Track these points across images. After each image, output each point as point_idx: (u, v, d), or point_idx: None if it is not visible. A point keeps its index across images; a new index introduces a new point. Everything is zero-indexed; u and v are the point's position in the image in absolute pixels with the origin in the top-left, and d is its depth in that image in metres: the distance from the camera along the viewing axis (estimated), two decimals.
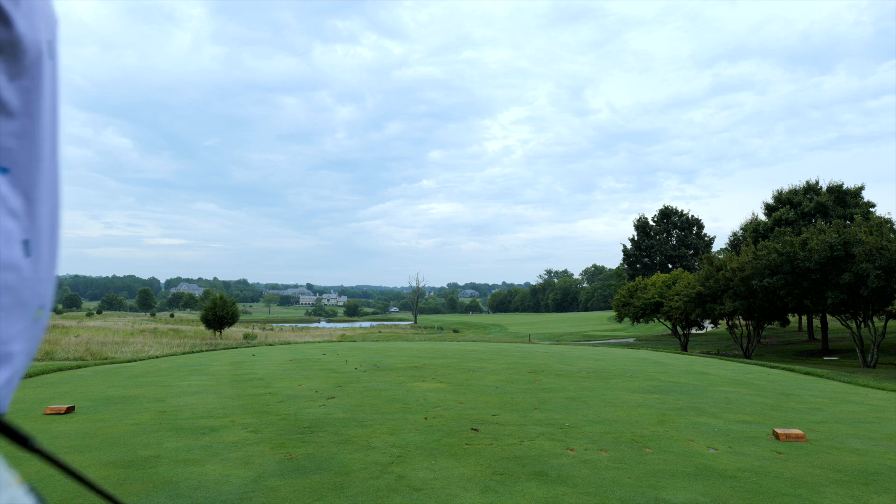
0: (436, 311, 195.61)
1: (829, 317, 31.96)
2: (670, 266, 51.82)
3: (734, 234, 46.66)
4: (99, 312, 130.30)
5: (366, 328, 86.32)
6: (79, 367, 10.04)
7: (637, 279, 39.60)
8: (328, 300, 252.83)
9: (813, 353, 30.19)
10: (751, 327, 28.39)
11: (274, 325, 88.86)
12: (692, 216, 54.04)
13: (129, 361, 11.61)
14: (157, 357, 12.87)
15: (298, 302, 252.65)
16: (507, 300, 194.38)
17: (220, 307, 43.27)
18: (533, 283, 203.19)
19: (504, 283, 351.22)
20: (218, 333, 44.01)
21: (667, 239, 54.86)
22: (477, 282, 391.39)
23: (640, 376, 8.44)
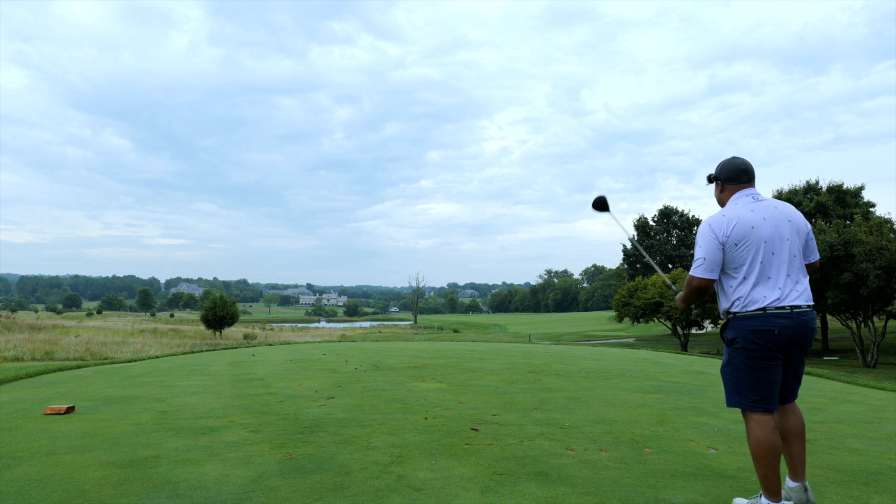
0: (436, 311, 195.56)
1: (829, 317, 31.95)
2: (670, 266, 51.81)
3: None
4: (99, 312, 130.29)
5: (366, 328, 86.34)
6: (79, 367, 10.04)
7: (637, 279, 39.60)
8: (328, 300, 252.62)
9: (813, 352, 30.17)
10: None
11: (274, 325, 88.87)
12: (692, 216, 54.03)
13: (129, 361, 11.60)
14: (157, 357, 12.85)
15: (298, 302, 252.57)
16: (507, 300, 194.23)
17: (220, 307, 43.31)
18: (533, 283, 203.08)
19: (504, 283, 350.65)
20: (218, 333, 44.02)
21: (667, 239, 54.86)
22: (477, 282, 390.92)
23: (640, 376, 8.44)
